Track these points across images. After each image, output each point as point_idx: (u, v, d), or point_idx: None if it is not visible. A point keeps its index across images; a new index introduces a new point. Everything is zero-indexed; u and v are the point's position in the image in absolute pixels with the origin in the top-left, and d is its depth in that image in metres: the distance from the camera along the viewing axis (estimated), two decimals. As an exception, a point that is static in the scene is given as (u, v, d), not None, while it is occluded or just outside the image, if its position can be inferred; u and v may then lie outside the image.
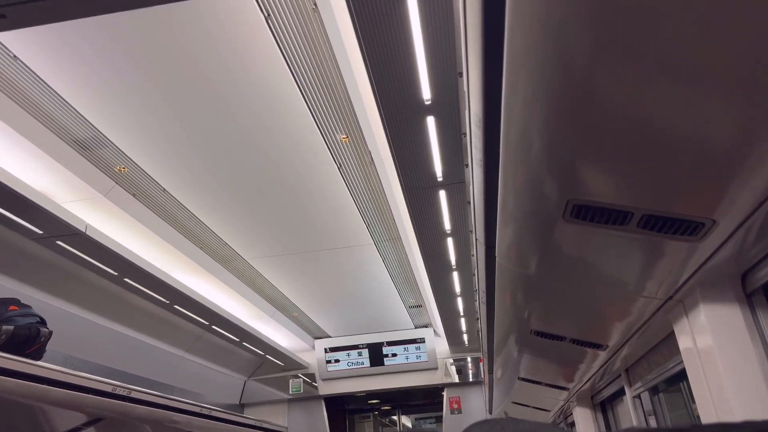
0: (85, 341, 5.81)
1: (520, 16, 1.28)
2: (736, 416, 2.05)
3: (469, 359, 9.83)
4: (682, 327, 2.40)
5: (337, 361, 10.01)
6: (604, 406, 5.25)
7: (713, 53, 1.13)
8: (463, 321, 7.74)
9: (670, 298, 2.33)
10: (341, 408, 11.34)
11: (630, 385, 4.01)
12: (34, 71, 3.37)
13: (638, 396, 3.98)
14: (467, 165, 2.24)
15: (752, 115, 1.30)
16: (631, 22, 1.12)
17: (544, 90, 1.41)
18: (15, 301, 4.27)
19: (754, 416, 1.66)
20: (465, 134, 2.10)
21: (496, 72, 1.51)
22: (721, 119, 1.33)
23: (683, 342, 2.43)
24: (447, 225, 4.61)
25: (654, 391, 3.82)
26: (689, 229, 1.73)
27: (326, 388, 10.16)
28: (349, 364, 9.96)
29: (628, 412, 4.14)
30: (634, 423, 4.01)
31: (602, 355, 3.49)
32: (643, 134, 1.46)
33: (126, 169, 4.35)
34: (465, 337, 8.71)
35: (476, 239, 2.71)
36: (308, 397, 10.20)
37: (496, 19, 1.43)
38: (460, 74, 1.85)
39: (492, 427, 0.88)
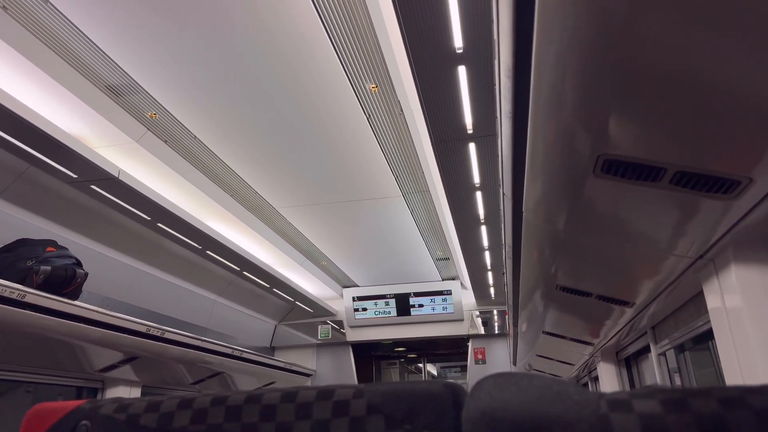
0: (120, 283, 6.00)
1: None
2: (761, 377, 2.03)
3: (495, 312, 9.90)
4: (712, 287, 2.36)
5: (364, 309, 10.19)
6: (629, 362, 5.25)
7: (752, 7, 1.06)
8: (490, 275, 7.75)
9: (701, 257, 2.29)
10: (368, 354, 11.61)
11: (656, 343, 3.99)
12: (66, 16, 3.38)
13: (663, 354, 3.96)
14: (497, 117, 2.19)
15: None
16: None
17: (577, 38, 1.35)
18: (52, 243, 4.42)
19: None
20: (495, 85, 2.04)
21: (527, 18, 1.45)
22: (763, 71, 1.26)
23: (712, 302, 2.39)
24: (476, 178, 4.56)
25: (680, 349, 3.80)
26: (724, 186, 1.68)
27: (353, 335, 10.38)
28: (377, 312, 10.14)
29: (653, 368, 4.13)
30: (658, 380, 4.01)
31: (628, 312, 3.46)
32: (678, 87, 1.40)
33: (157, 115, 4.38)
34: (492, 290, 8.74)
35: (503, 194, 2.67)
36: (336, 342, 10.45)
37: None
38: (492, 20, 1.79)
39: (507, 379, 0.89)
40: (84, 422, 1.06)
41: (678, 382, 3.88)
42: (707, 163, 1.61)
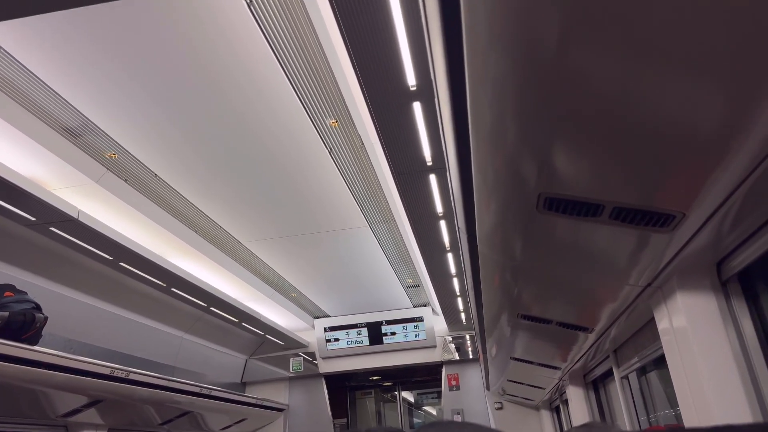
0: (84, 325, 5.87)
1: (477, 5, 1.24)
2: (708, 398, 2.08)
3: (467, 337, 9.91)
4: (661, 313, 2.43)
5: (336, 339, 10.11)
6: (597, 384, 5.31)
7: (689, 45, 1.10)
8: (459, 300, 7.79)
9: (649, 285, 2.36)
10: (342, 385, 11.48)
11: (618, 366, 4.05)
12: (19, 60, 3.37)
13: (626, 377, 4.03)
14: (444, 154, 2.24)
15: (723, 112, 1.29)
16: (603, 8, 1.09)
17: (509, 82, 1.40)
18: (10, 287, 4.32)
19: (725, 399, 1.69)
20: (438, 124, 2.10)
21: (458, 58, 1.49)
22: (692, 115, 1.32)
23: (662, 327, 2.46)
24: (439, 208, 4.61)
25: (641, 372, 3.87)
26: (660, 220, 1.74)
27: (326, 366, 10.27)
28: (349, 342, 10.07)
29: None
30: (622, 403, 4.07)
31: (590, 337, 3.52)
32: (610, 130, 1.46)
33: (116, 155, 4.35)
34: (462, 316, 8.77)
35: (458, 227, 2.73)
36: (309, 375, 10.32)
37: (454, 9, 1.40)
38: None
39: (439, 429, 0.91)
40: None
41: (641, 405, 3.94)
42: (643, 199, 1.68)
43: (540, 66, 1.28)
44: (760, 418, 2.02)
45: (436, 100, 2.03)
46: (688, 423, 2.33)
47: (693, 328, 2.18)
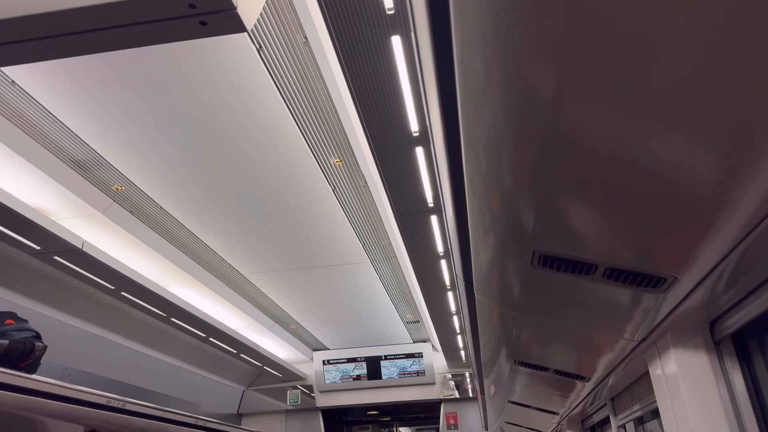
0: (83, 352, 5.87)
1: (470, 57, 1.26)
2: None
3: (467, 374, 9.83)
4: (656, 367, 2.43)
5: (335, 373, 10.04)
6: (594, 430, 5.24)
7: (684, 107, 1.10)
8: (459, 338, 7.75)
9: (644, 339, 2.36)
10: (339, 419, 11.36)
11: (615, 415, 4.02)
12: (32, 95, 3.46)
13: (623, 426, 3.98)
14: (441, 201, 2.28)
15: (717, 177, 1.29)
16: (597, 66, 1.09)
17: (502, 134, 1.41)
18: (12, 315, 4.33)
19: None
20: (435, 172, 2.14)
21: (453, 109, 1.52)
22: (686, 180, 1.33)
23: (656, 381, 2.46)
24: (439, 248, 4.65)
25: (638, 422, 3.83)
26: (652, 282, 1.76)
27: (324, 400, 10.17)
28: (347, 376, 9.99)
29: (616, 440, 4.14)
30: (619, 453, 4.01)
31: (588, 386, 3.51)
32: (603, 190, 1.49)
33: (123, 188, 4.42)
34: (462, 353, 8.72)
35: (456, 274, 2.75)
36: (306, 408, 10.22)
37: (446, 58, 1.42)
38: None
39: None
40: None
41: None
42: (634, 262, 1.70)
43: (533, 122, 1.28)
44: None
45: (432, 146, 2.08)
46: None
47: (686, 385, 2.19)
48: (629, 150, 1.30)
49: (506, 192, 1.67)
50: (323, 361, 10.05)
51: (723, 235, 1.52)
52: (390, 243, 5.61)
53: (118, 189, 4.41)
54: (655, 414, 3.51)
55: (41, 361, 4.35)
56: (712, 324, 2.15)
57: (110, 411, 5.08)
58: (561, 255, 1.78)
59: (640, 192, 1.43)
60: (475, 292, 2.65)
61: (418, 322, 8.54)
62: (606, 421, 4.63)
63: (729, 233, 1.50)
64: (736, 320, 2.00)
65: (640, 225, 1.57)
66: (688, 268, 1.68)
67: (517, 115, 1.32)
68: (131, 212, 4.72)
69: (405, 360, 9.80)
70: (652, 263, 1.69)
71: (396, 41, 2.60)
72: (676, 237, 1.59)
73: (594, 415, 4.82)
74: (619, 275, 1.77)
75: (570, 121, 1.26)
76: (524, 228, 1.76)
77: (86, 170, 4.17)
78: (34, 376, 4.12)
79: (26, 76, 3.32)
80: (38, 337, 4.25)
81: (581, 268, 1.80)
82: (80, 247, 4.30)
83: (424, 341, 9.74)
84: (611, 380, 3.32)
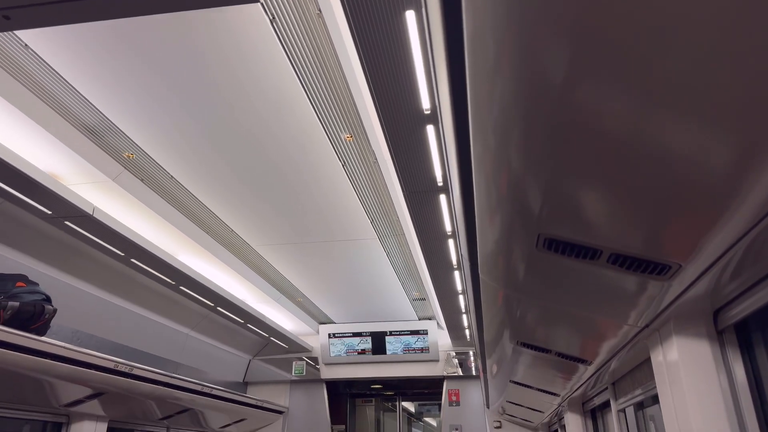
0: (91, 316, 5.96)
1: (481, 36, 1.24)
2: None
3: (471, 353, 9.89)
4: (657, 353, 2.44)
5: (340, 346, 10.15)
6: (595, 413, 5.29)
7: (697, 94, 1.10)
8: (464, 317, 7.79)
9: (647, 326, 2.37)
10: (342, 391, 11.51)
11: (616, 399, 4.05)
12: (45, 60, 3.46)
13: (623, 410, 4.01)
14: (448, 181, 2.28)
15: (727, 166, 1.27)
16: (609, 49, 1.08)
17: (511, 114, 1.39)
18: (23, 278, 4.42)
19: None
20: (443, 152, 2.13)
21: (461, 87, 1.51)
22: (696, 168, 1.32)
23: (657, 367, 2.47)
24: (447, 227, 4.64)
25: (639, 406, 3.85)
26: (657, 269, 1.76)
27: (328, 373, 10.30)
28: (352, 350, 10.09)
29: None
30: (617, 436, 4.05)
31: (589, 369, 3.53)
32: (611, 176, 1.48)
33: (134, 155, 4.44)
34: (467, 332, 8.76)
35: (461, 255, 2.75)
36: (310, 379, 10.36)
37: (457, 36, 1.40)
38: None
39: None
40: None
41: (636, 438, 3.92)
42: (640, 248, 1.70)
43: (543, 102, 1.27)
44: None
45: (440, 125, 2.06)
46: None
47: (686, 372, 2.19)
48: (639, 136, 1.28)
49: (513, 174, 1.66)
50: (329, 335, 10.15)
51: (730, 225, 1.51)
52: (398, 220, 5.61)
53: (129, 157, 4.43)
54: (656, 399, 3.53)
55: (51, 324, 4.46)
56: (716, 313, 2.15)
57: (118, 375, 5.20)
58: (566, 239, 1.77)
59: (648, 178, 1.42)
60: (479, 272, 2.66)
61: (424, 299, 8.59)
62: (606, 404, 4.66)
63: (737, 223, 1.49)
64: (740, 310, 2.00)
65: (646, 212, 1.56)
66: (694, 256, 1.67)
67: (526, 96, 1.30)
68: (142, 180, 4.75)
69: (410, 336, 9.88)
70: (657, 251, 1.68)
71: (410, 16, 2.56)
72: (683, 225, 1.58)
73: (595, 398, 4.85)
74: (624, 261, 1.77)
75: (580, 105, 1.25)
76: (530, 211, 1.75)
77: (98, 137, 4.19)
78: (43, 338, 4.23)
79: (39, 40, 3.32)
80: (48, 300, 4.34)
81: (586, 253, 1.80)
82: (91, 213, 4.35)
83: (430, 319, 9.80)
84: (613, 365, 3.34)
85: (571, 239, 1.76)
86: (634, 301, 2.14)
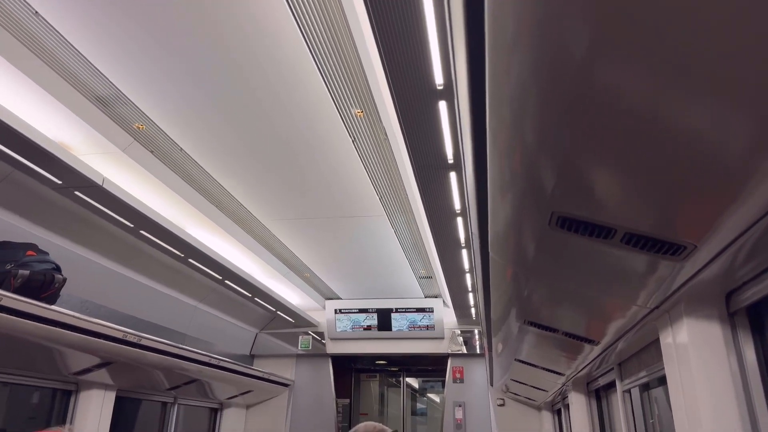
0: (100, 287, 6.01)
1: (502, 8, 1.21)
2: (703, 418, 2.09)
3: (476, 331, 9.94)
4: (667, 335, 2.43)
5: (346, 322, 10.21)
6: (599, 393, 5.32)
7: (721, 70, 1.06)
8: (470, 296, 7.80)
9: (657, 307, 2.35)
10: (348, 366, 11.62)
11: (621, 380, 4.06)
12: (56, 28, 3.43)
13: (628, 391, 4.03)
14: (461, 158, 2.25)
15: (749, 144, 1.25)
16: (632, 23, 1.04)
17: (529, 90, 1.37)
18: (33, 247, 4.45)
19: (720, 427, 1.69)
20: (457, 128, 2.11)
21: (480, 62, 1.48)
22: (716, 146, 1.29)
23: (666, 349, 2.47)
24: (457, 205, 4.62)
25: (644, 387, 3.86)
26: (671, 249, 1.74)
27: (334, 347, 10.39)
28: (358, 326, 10.16)
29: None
30: (622, 417, 4.07)
31: (596, 349, 3.53)
32: (629, 153, 1.45)
33: (144, 126, 4.42)
34: (472, 311, 8.79)
35: (471, 232, 2.74)
36: (316, 354, 10.46)
37: (477, 8, 1.37)
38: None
39: None
40: None
41: (641, 420, 3.94)
42: (654, 228, 1.68)
43: (563, 79, 1.24)
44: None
45: (455, 99, 2.03)
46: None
47: (696, 354, 2.19)
48: (658, 114, 1.25)
49: (529, 150, 1.64)
50: (335, 310, 10.21)
51: (748, 206, 1.48)
52: (407, 198, 5.59)
53: (139, 128, 4.42)
54: (661, 381, 3.53)
55: (60, 293, 4.49)
56: (728, 295, 2.13)
57: (126, 345, 5.25)
58: (580, 218, 1.75)
59: (666, 156, 1.39)
60: (489, 250, 2.64)
61: (430, 277, 8.60)
62: (611, 385, 4.68)
63: (754, 204, 1.46)
64: (753, 293, 1.98)
65: (663, 191, 1.54)
66: (709, 237, 1.65)
67: (545, 71, 1.28)
68: (152, 152, 4.74)
69: (416, 314, 9.92)
70: (672, 230, 1.66)
71: (425, -11, 2.52)
72: (699, 205, 1.56)
73: (600, 379, 4.87)
74: (638, 241, 1.75)
75: (600, 80, 1.22)
76: (544, 188, 1.73)
77: (108, 107, 4.17)
78: (53, 307, 4.26)
79: (50, 7, 3.29)
80: (58, 269, 4.38)
81: (600, 231, 1.78)
82: (101, 183, 4.35)
83: (436, 297, 9.83)
84: (620, 345, 3.34)
85: (585, 218, 1.74)
86: (645, 281, 2.12)
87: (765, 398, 2.04)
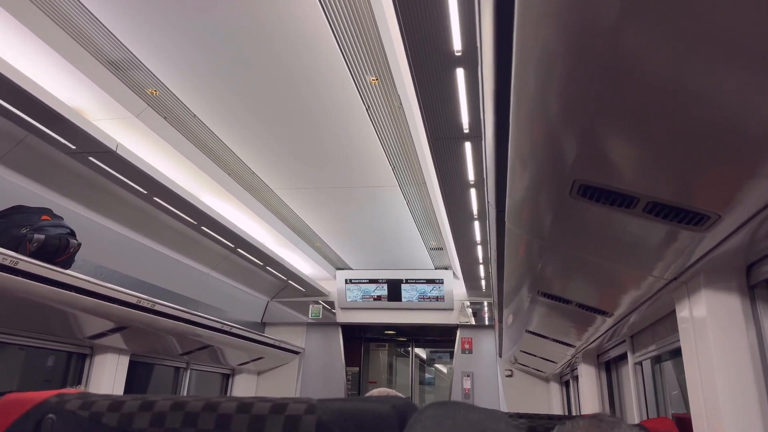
0: (114, 253, 6.07)
1: None
2: (719, 395, 2.09)
3: (485, 303, 9.98)
4: (683, 307, 2.42)
5: (356, 292, 10.28)
6: (609, 366, 5.33)
7: (751, 39, 1.03)
8: (481, 268, 7.81)
9: (675, 279, 2.33)
10: (357, 336, 11.74)
11: (633, 352, 4.06)
12: (70, -10, 3.39)
13: (640, 363, 4.03)
14: (482, 124, 2.22)
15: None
16: None
17: (557, 58, 1.34)
18: (48, 211, 4.48)
19: (736, 397, 1.69)
20: (479, 93, 2.07)
21: (507, 29, 1.45)
22: (741, 116, 1.27)
23: (682, 322, 2.45)
24: (471, 176, 4.59)
25: (656, 360, 3.87)
26: (694, 219, 1.71)
27: (344, 317, 10.49)
28: (368, 296, 10.23)
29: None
30: (633, 389, 4.08)
31: (608, 321, 3.52)
32: (654, 121, 1.42)
33: (158, 92, 4.40)
34: (482, 282, 8.80)
35: (488, 201, 2.71)
36: (326, 323, 10.57)
37: None
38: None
39: (446, 411, 0.94)
40: (50, 416, 1.11)
41: (651, 391, 3.95)
42: (678, 197, 1.65)
43: (592, 46, 1.22)
44: (768, 417, 2.02)
45: (479, 67, 1.99)
46: (695, 414, 2.34)
47: (713, 326, 2.17)
48: (684, 80, 1.23)
49: (552, 117, 1.60)
50: (346, 280, 10.27)
51: (771, 177, 1.45)
52: (420, 168, 5.55)
53: (152, 93, 4.39)
54: (674, 354, 3.53)
55: (75, 258, 4.53)
56: (749, 268, 2.10)
57: (140, 310, 5.31)
58: (602, 186, 1.72)
59: (690, 124, 1.36)
60: (506, 220, 2.62)
61: (441, 249, 8.61)
62: (622, 357, 4.69)
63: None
64: (776, 266, 1.95)
65: (687, 159, 1.51)
66: (733, 207, 1.62)
67: (574, 37, 1.25)
68: (165, 118, 4.72)
69: (425, 285, 9.96)
70: (696, 199, 1.63)
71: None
72: (723, 174, 1.53)
73: (611, 351, 4.88)
74: (661, 210, 1.72)
75: (627, 47, 1.19)
76: (567, 156, 1.70)
77: (122, 71, 4.14)
78: (68, 272, 4.30)
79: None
80: (73, 234, 4.41)
81: (622, 200, 1.75)
82: (114, 149, 4.35)
83: (446, 268, 9.85)
84: (633, 318, 3.33)
85: (607, 186, 1.71)
86: (664, 252, 2.10)
87: (783, 371, 2.03)
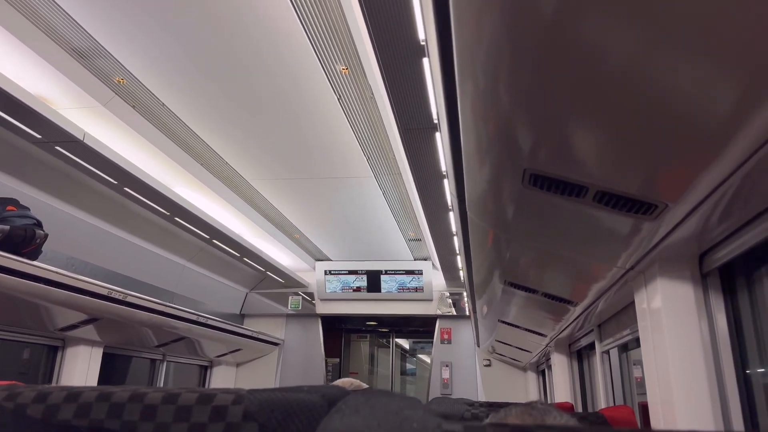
0: (86, 244, 5.98)
1: None
2: (672, 383, 2.12)
3: (464, 294, 10.02)
4: (641, 296, 2.44)
5: (336, 283, 10.27)
6: (580, 354, 5.39)
7: (701, 27, 1.03)
8: (458, 258, 7.82)
9: (632, 268, 2.36)
10: (337, 326, 11.73)
11: (600, 341, 4.10)
12: (29, -25, 3.32)
13: (607, 352, 4.08)
14: (435, 118, 2.21)
15: (723, 103, 1.23)
16: None
17: (499, 46, 1.33)
18: (13, 202, 4.40)
19: (688, 385, 1.71)
20: (428, 89, 2.06)
21: (446, 30, 1.44)
22: (689, 105, 1.27)
23: (640, 310, 2.48)
24: (443, 167, 4.58)
25: (623, 348, 3.91)
26: (642, 208, 1.73)
27: (324, 308, 10.47)
28: (348, 287, 10.22)
29: (598, 365, 4.26)
30: (600, 378, 4.13)
31: (575, 311, 3.55)
32: (600, 111, 1.43)
33: (125, 81, 4.33)
34: (461, 273, 8.82)
35: (450, 193, 2.71)
36: (306, 314, 10.55)
37: None
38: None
39: (366, 400, 0.94)
40: None
41: (618, 379, 4.00)
42: (626, 186, 1.66)
43: (533, 35, 1.21)
44: (718, 405, 2.05)
45: (426, 57, 1.99)
46: (651, 402, 2.38)
47: (668, 314, 2.20)
48: (630, 71, 1.23)
49: (498, 107, 1.60)
50: (325, 271, 10.25)
51: (718, 163, 1.46)
52: (395, 159, 5.54)
53: (120, 82, 4.32)
54: (638, 342, 3.57)
55: (44, 250, 4.47)
56: (702, 256, 2.13)
57: (111, 302, 5.24)
58: (552, 175, 1.73)
59: (634, 112, 1.37)
60: (467, 211, 2.62)
61: (419, 240, 8.61)
62: (592, 346, 4.74)
63: (724, 161, 1.44)
64: (726, 253, 1.98)
65: (633, 148, 1.52)
66: (680, 196, 1.63)
67: (516, 26, 1.24)
68: (133, 107, 4.65)
69: (405, 276, 9.98)
70: (643, 189, 1.64)
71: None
72: (670, 163, 1.54)
73: (581, 340, 4.93)
74: (610, 200, 1.73)
75: (571, 36, 1.19)
76: (516, 145, 1.70)
77: (87, 60, 4.06)
78: (36, 263, 4.23)
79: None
80: (39, 224, 4.34)
81: (572, 189, 1.76)
82: (82, 138, 4.28)
83: (425, 259, 9.87)
84: (600, 307, 3.36)
85: (557, 175, 1.71)
86: (620, 241, 2.12)
87: (733, 363, 2.06)
